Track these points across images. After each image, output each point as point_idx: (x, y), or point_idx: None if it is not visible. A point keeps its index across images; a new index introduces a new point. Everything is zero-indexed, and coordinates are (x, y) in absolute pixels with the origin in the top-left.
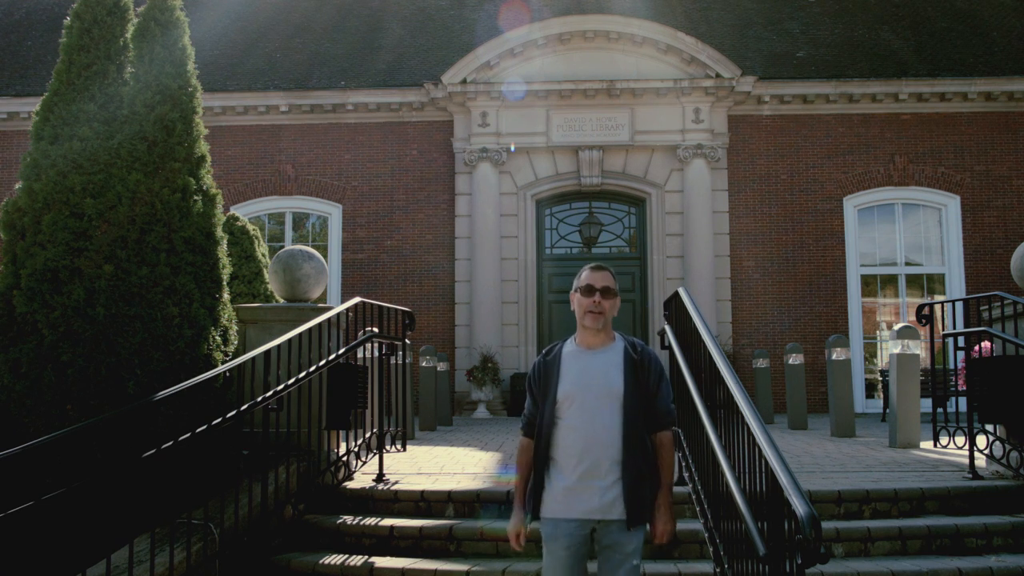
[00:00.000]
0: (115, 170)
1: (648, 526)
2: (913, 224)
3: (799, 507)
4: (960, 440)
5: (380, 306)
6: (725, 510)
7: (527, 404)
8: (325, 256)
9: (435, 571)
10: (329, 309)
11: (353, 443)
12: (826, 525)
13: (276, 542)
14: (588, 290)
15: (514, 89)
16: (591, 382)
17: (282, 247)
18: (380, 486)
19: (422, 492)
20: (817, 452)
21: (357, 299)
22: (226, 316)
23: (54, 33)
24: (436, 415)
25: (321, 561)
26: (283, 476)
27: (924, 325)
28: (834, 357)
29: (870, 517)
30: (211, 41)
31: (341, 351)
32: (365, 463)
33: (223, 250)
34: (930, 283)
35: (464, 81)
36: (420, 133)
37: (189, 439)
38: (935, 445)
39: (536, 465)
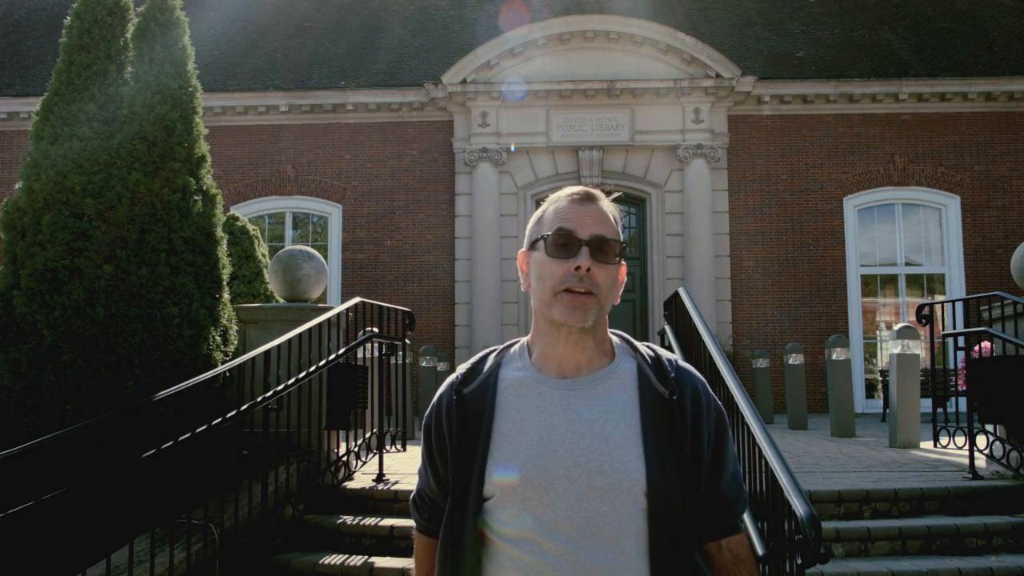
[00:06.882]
0: (115, 170)
1: None
2: (913, 224)
3: (799, 507)
4: (960, 440)
5: (380, 306)
6: None
7: (420, 473)
8: (325, 256)
9: None
10: (329, 309)
11: (353, 443)
12: (826, 525)
13: (276, 542)
14: (564, 241)
15: (514, 89)
16: (570, 459)
17: (282, 247)
18: (380, 486)
19: None
20: (817, 452)
21: (357, 299)
22: (226, 316)
23: (54, 33)
24: None
25: (321, 561)
26: (283, 476)
27: (924, 325)
28: (834, 357)
29: (870, 517)
30: (211, 41)
31: (341, 351)
32: (365, 463)
33: (223, 250)
34: (930, 283)
35: (464, 81)
36: (420, 133)
37: (189, 439)
38: (935, 445)
39: None
